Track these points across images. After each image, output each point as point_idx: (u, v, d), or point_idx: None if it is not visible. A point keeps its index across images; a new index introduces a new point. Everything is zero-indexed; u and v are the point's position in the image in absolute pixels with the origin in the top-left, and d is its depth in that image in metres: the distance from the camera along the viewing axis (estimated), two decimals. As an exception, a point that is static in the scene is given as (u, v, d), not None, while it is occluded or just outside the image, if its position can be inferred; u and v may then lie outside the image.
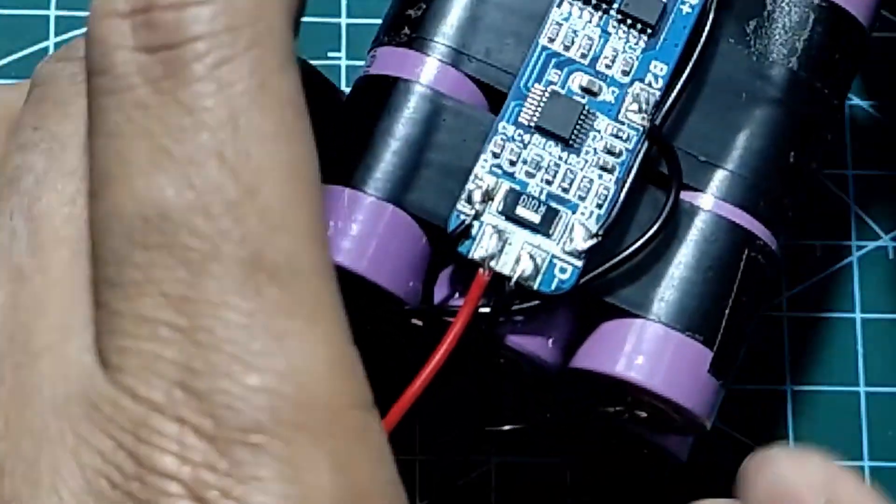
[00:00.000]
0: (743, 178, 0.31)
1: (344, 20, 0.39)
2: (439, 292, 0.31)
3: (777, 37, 0.32)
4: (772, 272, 0.32)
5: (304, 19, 0.38)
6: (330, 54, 0.39)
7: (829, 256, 0.38)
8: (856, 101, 0.39)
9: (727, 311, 0.31)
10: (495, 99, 0.32)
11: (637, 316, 0.31)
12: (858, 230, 0.38)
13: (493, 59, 0.31)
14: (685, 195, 0.31)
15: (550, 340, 0.31)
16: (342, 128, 0.32)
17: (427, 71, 0.31)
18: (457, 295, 0.31)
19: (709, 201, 0.31)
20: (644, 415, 0.32)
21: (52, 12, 0.41)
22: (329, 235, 0.30)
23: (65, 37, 0.40)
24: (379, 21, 0.33)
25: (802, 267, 0.36)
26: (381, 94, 0.31)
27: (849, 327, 0.37)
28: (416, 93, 0.31)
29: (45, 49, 0.40)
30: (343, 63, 0.39)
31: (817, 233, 0.38)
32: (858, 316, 0.37)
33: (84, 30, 0.25)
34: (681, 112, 0.31)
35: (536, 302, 0.30)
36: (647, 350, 0.30)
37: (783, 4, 0.32)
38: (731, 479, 0.29)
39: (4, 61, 0.40)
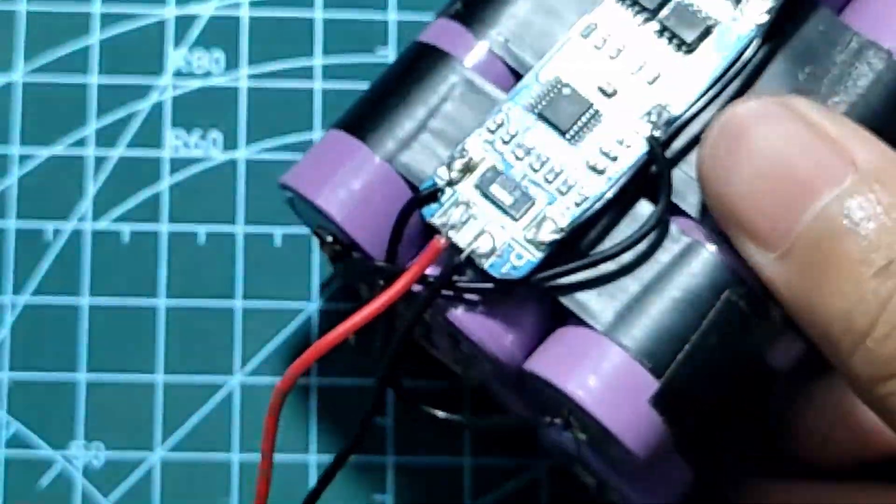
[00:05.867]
0: None
1: (392, 16, 0.38)
2: (406, 252, 0.31)
3: (829, 87, 0.30)
4: (759, 323, 0.29)
5: (351, 16, 0.37)
6: (378, 51, 0.38)
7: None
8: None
9: (687, 348, 0.29)
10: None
11: (588, 326, 0.29)
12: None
13: (520, 45, 0.31)
14: (677, 221, 0.30)
15: (509, 337, 0.30)
16: (383, 81, 0.32)
17: (456, 42, 0.31)
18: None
19: (700, 232, 0.30)
20: (584, 437, 0.30)
21: (98, 9, 0.37)
22: (330, 179, 0.31)
23: (109, 34, 0.37)
24: (426, 15, 0.32)
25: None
26: (414, 60, 0.32)
27: None
28: (445, 63, 0.31)
29: (87, 48, 0.37)
30: (392, 60, 0.36)
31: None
32: None
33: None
34: (695, 138, 0.30)
35: (485, 285, 0.29)
36: (599, 371, 0.29)
37: (853, 62, 0.30)
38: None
39: (45, 61, 0.37)
